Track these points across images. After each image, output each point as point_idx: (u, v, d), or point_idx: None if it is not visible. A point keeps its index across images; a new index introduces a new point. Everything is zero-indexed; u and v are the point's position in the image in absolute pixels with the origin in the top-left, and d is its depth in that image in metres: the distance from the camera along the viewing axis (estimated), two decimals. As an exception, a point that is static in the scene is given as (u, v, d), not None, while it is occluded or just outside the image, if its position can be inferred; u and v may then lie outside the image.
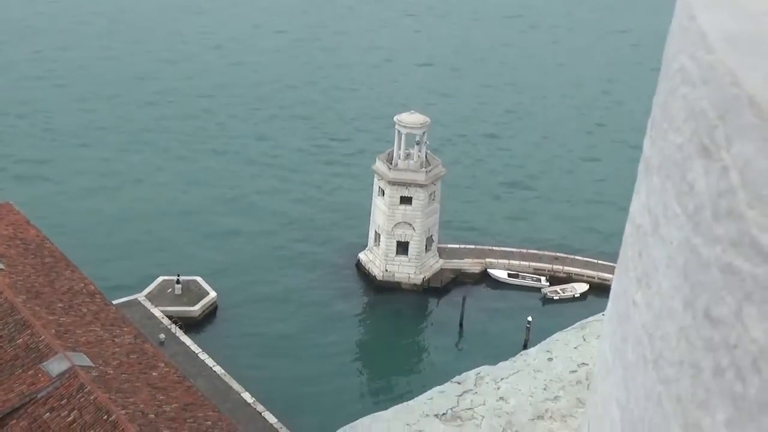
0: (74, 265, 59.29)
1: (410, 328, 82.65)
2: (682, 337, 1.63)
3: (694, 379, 1.57)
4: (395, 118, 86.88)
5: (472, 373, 4.05)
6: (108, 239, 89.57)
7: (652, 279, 1.81)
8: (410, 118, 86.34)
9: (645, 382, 1.79)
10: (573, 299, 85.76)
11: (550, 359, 4.19)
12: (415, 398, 3.81)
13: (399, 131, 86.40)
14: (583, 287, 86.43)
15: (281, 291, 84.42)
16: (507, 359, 4.26)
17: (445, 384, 3.90)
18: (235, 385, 68.39)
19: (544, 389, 3.98)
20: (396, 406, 3.83)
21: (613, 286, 2.20)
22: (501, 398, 3.92)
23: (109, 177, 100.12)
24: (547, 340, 4.37)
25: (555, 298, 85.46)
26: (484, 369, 4.12)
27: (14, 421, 44.40)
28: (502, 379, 4.05)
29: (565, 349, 4.27)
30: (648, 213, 1.88)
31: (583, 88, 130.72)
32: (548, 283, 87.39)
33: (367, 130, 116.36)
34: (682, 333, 1.64)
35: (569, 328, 4.46)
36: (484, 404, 3.87)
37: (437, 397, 3.84)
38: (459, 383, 3.96)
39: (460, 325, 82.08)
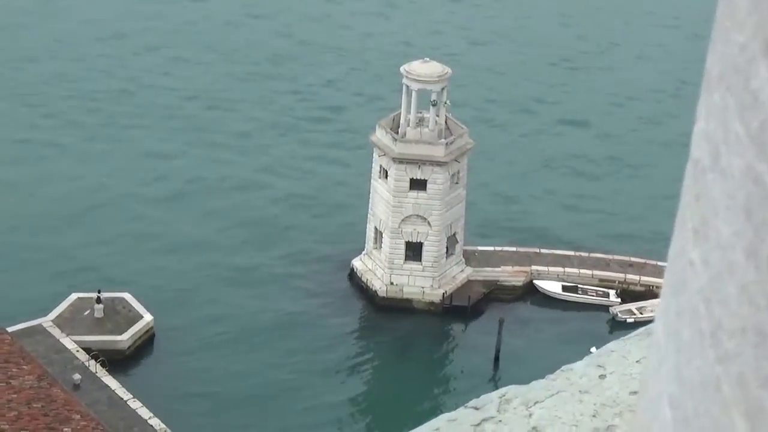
0: (-47, 277, 59.54)
1: (425, 365, 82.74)
2: (744, 298, 1.74)
3: (758, 348, 1.68)
4: (403, 69, 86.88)
5: (494, 395, 4.12)
6: (1, 243, 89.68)
7: (710, 227, 1.93)
8: (424, 68, 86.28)
9: (701, 365, 1.91)
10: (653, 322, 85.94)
11: (602, 376, 4.28)
12: (418, 428, 3.88)
13: (408, 87, 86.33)
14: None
15: (243, 314, 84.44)
16: (484, 402, 4.33)
17: (458, 410, 3.97)
18: (180, 446, 68.63)
19: (594, 416, 4.07)
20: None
21: (669, 250, 2.31)
22: (534, 429, 4.00)
23: (6, 161, 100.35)
24: (599, 351, 4.47)
25: (629, 320, 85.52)
26: (510, 390, 4.20)
27: None
28: (535, 402, 4.13)
29: (623, 363, 4.37)
30: (707, 141, 1.99)
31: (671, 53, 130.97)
32: (619, 300, 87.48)
33: (363, 87, 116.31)
34: (744, 292, 1.74)
35: (630, 335, 4.56)
36: (510, 437, 3.95)
37: (446, 429, 3.92)
38: (476, 408, 4.04)
39: (496, 359, 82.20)
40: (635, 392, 4.30)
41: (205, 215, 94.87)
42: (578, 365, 4.44)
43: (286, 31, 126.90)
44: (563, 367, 4.37)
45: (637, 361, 4.46)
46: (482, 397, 4.19)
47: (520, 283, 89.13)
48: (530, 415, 4.22)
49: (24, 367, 54.26)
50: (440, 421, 4.04)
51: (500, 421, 4.15)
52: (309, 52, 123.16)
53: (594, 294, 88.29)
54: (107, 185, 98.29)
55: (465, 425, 4.07)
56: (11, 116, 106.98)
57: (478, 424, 4.10)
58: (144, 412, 71.26)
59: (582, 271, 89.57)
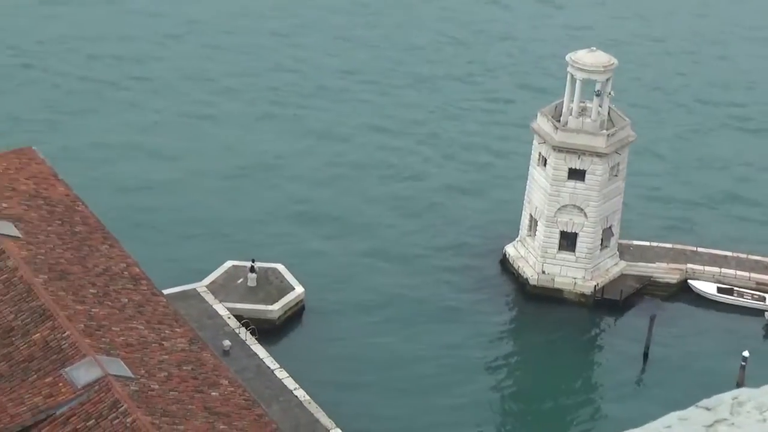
0: (114, 237, 60.69)
1: (573, 356, 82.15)
2: None
3: None
4: (569, 57, 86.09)
5: (726, 396, 3.80)
6: (162, 208, 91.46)
7: None
8: (590, 58, 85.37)
9: None
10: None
11: None
12: (647, 425, 3.57)
13: (573, 76, 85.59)
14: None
15: (393, 293, 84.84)
16: (716, 403, 4.01)
17: (688, 409, 3.65)
18: (323, 418, 69.11)
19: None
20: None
21: None
22: (772, 435, 3.64)
23: (169, 131, 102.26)
24: None
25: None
26: (743, 392, 3.87)
27: (24, 445, 45.87)
28: (772, 407, 3.77)
29: None
30: None
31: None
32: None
33: (526, 75, 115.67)
34: None
35: None
36: (745, 440, 3.61)
37: (678, 427, 3.60)
38: (708, 409, 3.72)
39: (645, 355, 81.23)
40: None
41: (367, 199, 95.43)
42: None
43: (451, 16, 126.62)
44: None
45: None
46: (714, 397, 3.86)
47: (674, 281, 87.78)
48: (765, 420, 3.83)
49: (177, 329, 55.08)
50: (671, 419, 3.70)
51: (733, 424, 3.78)
52: (477, 40, 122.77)
53: (750, 297, 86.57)
54: (274, 160, 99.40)
55: (697, 426, 3.71)
56: (189, 91, 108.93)
57: (711, 425, 3.74)
58: (290, 383, 72.00)
59: (739, 272, 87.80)
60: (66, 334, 49.69)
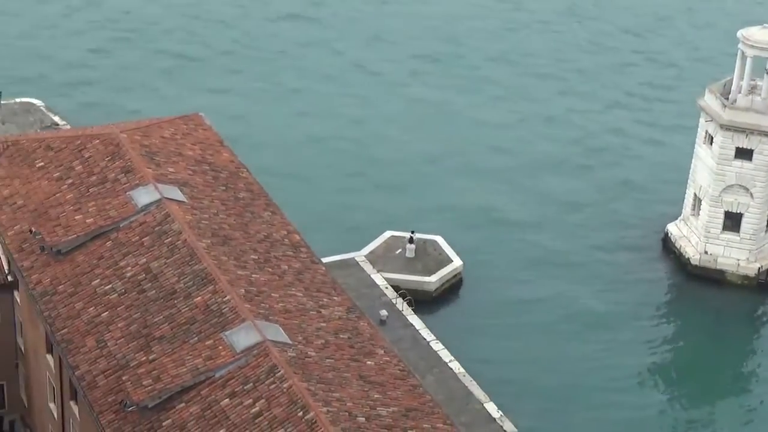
0: (276, 204, 61.29)
1: (735, 340, 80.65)
2: None
3: None
4: (740, 34, 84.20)
5: None
6: (323, 175, 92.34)
7: None
8: (762, 35, 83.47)
9: None
10: None
11: None
12: None
13: (743, 53, 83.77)
14: None
15: (551, 269, 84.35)
16: None
17: None
18: (477, 391, 69.01)
19: None
20: None
21: None
22: None
23: (343, 102, 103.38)
24: None
25: None
26: None
27: (183, 405, 46.64)
28: None
29: None
30: None
31: None
32: None
33: (694, 50, 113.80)
34: None
35: None
36: None
37: None
38: None
39: (809, 341, 79.69)
40: None
41: (525, 170, 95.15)
42: None
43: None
44: None
45: None
46: None
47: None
48: None
49: (335, 298, 55.37)
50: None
51: None
52: (646, 19, 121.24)
53: None
54: (447, 141, 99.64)
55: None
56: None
57: None
58: (445, 355, 71.99)
59: None
60: (227, 298, 50.38)
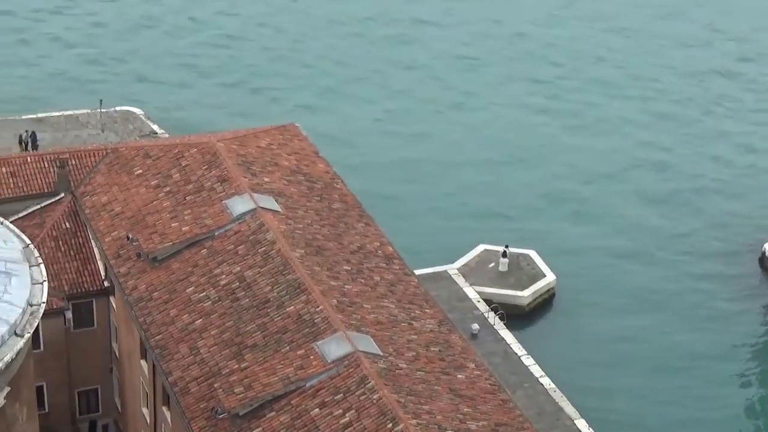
0: (369, 216, 61.48)
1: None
2: None
3: None
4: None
5: None
6: (418, 187, 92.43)
7: None
8: None
9: None
10: None
11: None
12: None
13: None
14: None
15: (647, 285, 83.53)
16: None
17: None
18: (568, 408, 68.47)
19: None
20: None
21: None
22: None
23: (431, 115, 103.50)
24: None
25: None
26: None
27: (273, 414, 46.92)
28: None
29: None
30: None
31: None
32: None
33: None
34: None
35: None
36: None
37: None
38: None
39: None
40: None
41: (626, 195, 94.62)
42: None
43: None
44: None
45: None
46: None
47: None
48: None
49: (427, 310, 55.36)
50: None
51: None
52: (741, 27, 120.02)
53: None
54: (538, 150, 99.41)
55: None
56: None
57: None
58: (536, 370, 71.54)
59: None
60: (319, 308, 50.61)
